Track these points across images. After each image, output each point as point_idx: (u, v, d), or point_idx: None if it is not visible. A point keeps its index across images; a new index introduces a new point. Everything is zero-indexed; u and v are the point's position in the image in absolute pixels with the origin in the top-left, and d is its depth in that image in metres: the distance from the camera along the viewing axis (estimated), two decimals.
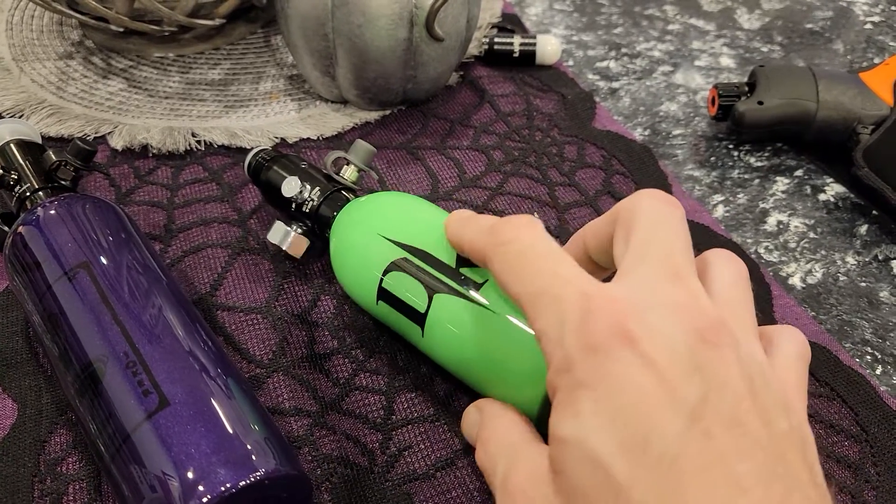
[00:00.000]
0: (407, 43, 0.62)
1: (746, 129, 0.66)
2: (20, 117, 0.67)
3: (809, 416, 0.47)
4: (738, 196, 0.63)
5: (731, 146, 0.68)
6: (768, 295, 0.54)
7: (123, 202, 0.61)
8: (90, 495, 0.43)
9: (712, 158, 0.67)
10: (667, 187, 0.63)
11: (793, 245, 0.59)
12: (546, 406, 0.41)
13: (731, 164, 0.67)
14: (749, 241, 0.59)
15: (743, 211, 0.62)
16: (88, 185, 0.62)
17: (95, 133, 0.66)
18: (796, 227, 0.61)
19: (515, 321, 0.42)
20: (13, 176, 0.53)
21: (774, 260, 0.58)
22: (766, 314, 0.53)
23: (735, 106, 0.66)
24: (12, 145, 0.55)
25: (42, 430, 0.46)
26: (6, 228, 0.52)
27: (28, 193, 0.52)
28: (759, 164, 0.67)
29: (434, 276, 0.44)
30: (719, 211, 0.62)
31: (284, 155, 0.57)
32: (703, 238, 0.58)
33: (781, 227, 0.61)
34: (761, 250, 0.59)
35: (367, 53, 0.62)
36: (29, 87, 0.71)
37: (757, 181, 0.65)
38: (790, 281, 0.56)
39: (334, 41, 0.62)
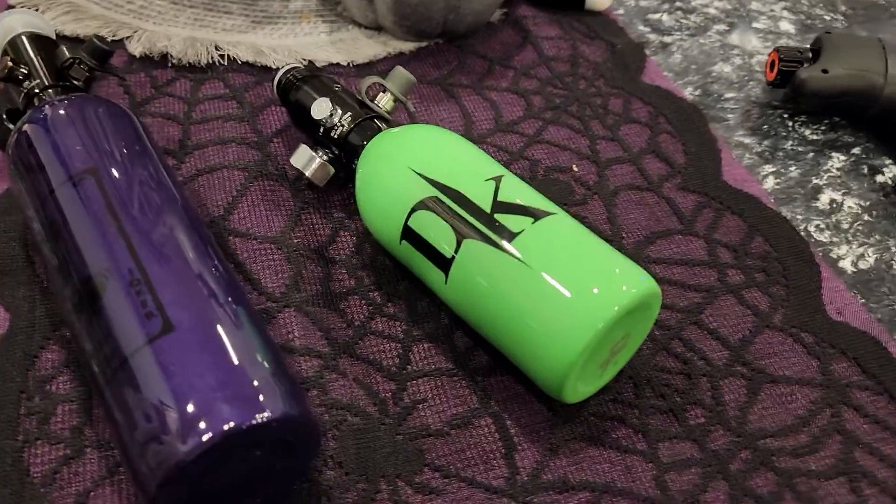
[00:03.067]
0: None
1: (806, 98, 0.61)
2: (35, 11, 0.63)
3: (854, 408, 0.44)
4: (791, 169, 0.59)
5: (785, 115, 0.64)
6: (817, 276, 0.51)
7: (137, 112, 0.57)
8: (80, 418, 0.40)
9: (765, 126, 0.63)
10: (715, 152, 0.59)
11: (845, 226, 0.55)
12: (575, 375, 0.38)
13: (784, 134, 0.62)
14: (799, 217, 0.56)
15: (794, 185, 0.58)
16: (102, 91, 0.58)
17: (113, 36, 0.62)
18: (850, 207, 0.57)
19: (550, 279, 0.38)
20: (22, 70, 0.49)
21: (825, 240, 0.54)
22: (813, 297, 0.50)
23: (797, 72, 0.61)
24: (24, 38, 0.51)
25: (34, 344, 0.42)
26: (11, 126, 0.48)
27: (37, 90, 0.48)
28: (815, 137, 0.62)
29: (465, 219, 0.41)
30: (769, 182, 0.58)
31: (317, 75, 0.53)
32: (751, 210, 0.55)
33: (834, 206, 0.57)
34: (812, 228, 0.55)
35: None
36: None
37: (811, 155, 0.61)
38: (840, 264, 0.53)
39: None
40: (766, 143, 0.61)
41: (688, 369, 0.45)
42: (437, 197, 0.42)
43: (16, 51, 0.50)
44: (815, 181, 0.59)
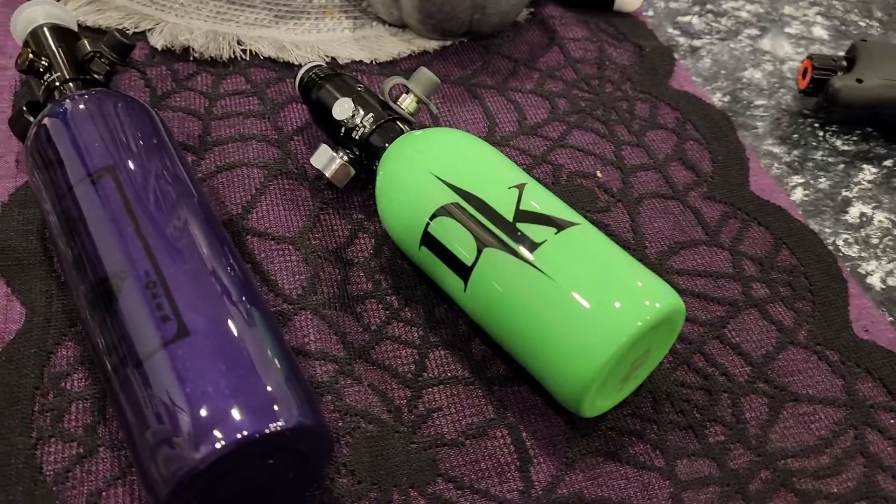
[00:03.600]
0: None
1: (839, 107, 0.60)
2: (57, 1, 0.63)
3: (879, 431, 0.43)
4: (820, 180, 0.58)
5: (816, 125, 0.63)
6: (844, 292, 0.50)
7: (157, 106, 0.56)
8: (93, 417, 0.39)
9: (795, 136, 0.61)
10: (743, 161, 0.58)
11: (875, 241, 0.54)
12: (594, 390, 0.37)
13: (815, 144, 0.61)
14: (827, 230, 0.54)
15: (823, 197, 0.57)
16: (122, 83, 0.58)
17: (135, 28, 0.61)
18: (881, 221, 0.55)
19: (572, 292, 0.37)
20: (43, 62, 0.49)
21: (853, 255, 0.53)
22: (840, 314, 0.48)
23: (830, 81, 0.60)
24: (46, 29, 0.51)
25: (49, 340, 0.42)
26: (31, 118, 0.48)
27: (58, 83, 0.48)
28: (846, 147, 0.61)
29: (487, 227, 0.40)
30: (797, 194, 0.57)
31: (340, 74, 0.52)
32: (778, 222, 0.53)
33: (864, 219, 0.55)
34: (840, 242, 0.54)
35: None
36: None
37: (842, 166, 0.59)
38: (869, 280, 0.51)
39: None
40: (795, 152, 0.60)
41: (708, 385, 0.44)
42: (458, 203, 0.41)
43: (37, 42, 0.50)
44: (844, 193, 0.57)
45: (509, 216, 0.40)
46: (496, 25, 0.63)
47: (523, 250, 0.39)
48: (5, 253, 0.46)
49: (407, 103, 0.49)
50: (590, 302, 0.37)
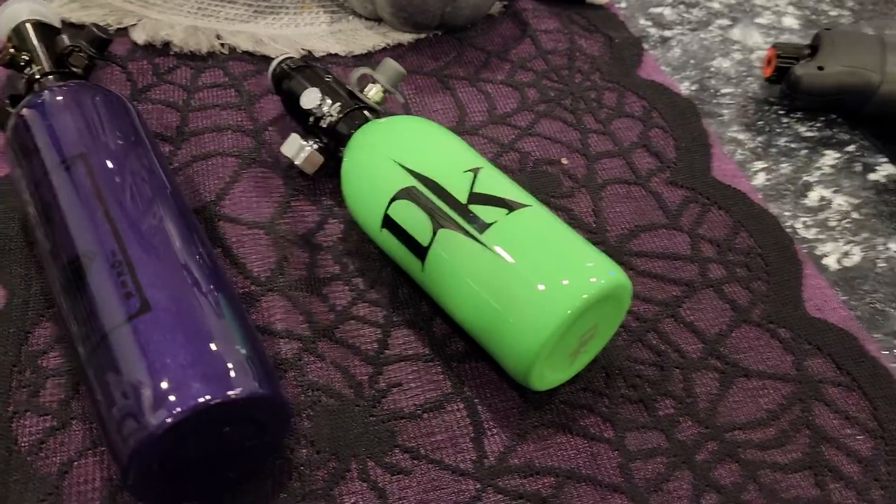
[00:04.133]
0: None
1: (801, 94, 0.61)
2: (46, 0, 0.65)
3: (825, 404, 0.44)
4: (782, 165, 0.59)
5: (781, 112, 0.64)
6: (798, 273, 0.51)
7: (138, 98, 0.58)
8: (67, 392, 0.41)
9: (760, 122, 0.63)
10: (706, 147, 0.59)
11: (833, 223, 0.55)
12: (541, 362, 0.39)
13: (779, 130, 0.62)
14: (787, 213, 0.56)
15: (785, 182, 0.58)
16: (105, 77, 0.60)
17: (118, 24, 0.63)
18: (839, 205, 0.57)
19: (519, 269, 0.39)
20: (24, 57, 0.51)
21: (810, 237, 0.54)
22: (793, 293, 0.50)
23: (792, 69, 0.61)
24: (28, 25, 0.53)
25: (28, 320, 0.44)
26: (12, 110, 0.50)
27: (38, 77, 0.50)
28: (809, 134, 0.62)
29: (441, 209, 0.42)
30: (760, 179, 0.58)
31: (310, 65, 0.54)
32: (738, 206, 0.55)
33: (824, 203, 0.57)
34: (798, 225, 0.55)
35: None
36: None
37: (804, 152, 0.61)
38: (824, 261, 0.53)
39: None
40: (759, 139, 0.61)
41: (661, 361, 0.46)
42: (415, 187, 0.43)
43: (19, 38, 0.52)
44: (805, 178, 0.59)
45: (463, 198, 0.42)
46: (468, 18, 0.65)
47: (474, 230, 0.41)
48: None
49: (373, 93, 0.51)
50: (535, 278, 0.39)
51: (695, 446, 0.42)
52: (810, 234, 0.55)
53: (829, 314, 0.49)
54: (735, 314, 0.49)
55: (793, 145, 0.61)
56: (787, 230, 0.54)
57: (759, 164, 0.59)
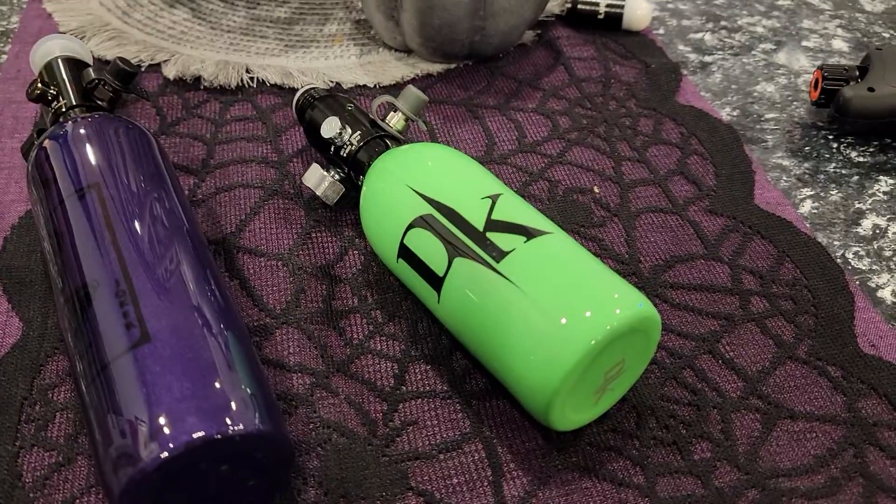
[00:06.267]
0: None
1: (851, 118, 0.58)
2: (81, 39, 0.66)
3: (881, 449, 0.40)
4: (831, 192, 0.56)
5: (830, 136, 0.60)
6: (850, 306, 0.47)
7: (167, 132, 0.58)
8: (74, 427, 0.40)
9: (807, 148, 0.60)
10: (749, 174, 0.56)
11: (888, 254, 0.51)
12: (562, 400, 0.36)
13: (827, 156, 0.59)
14: (836, 243, 0.52)
15: (834, 210, 0.55)
16: (136, 111, 0.60)
17: (151, 60, 0.64)
18: (895, 234, 0.53)
19: (537, 299, 0.37)
20: (52, 91, 0.51)
21: (864, 268, 0.50)
22: (844, 328, 0.46)
23: (841, 91, 0.58)
24: (60, 61, 0.53)
25: (42, 353, 0.44)
26: (36, 142, 0.50)
27: (63, 109, 0.50)
28: (861, 159, 0.59)
29: (457, 237, 0.40)
30: (806, 206, 0.55)
31: (332, 95, 0.53)
32: (783, 235, 0.51)
33: (878, 232, 0.53)
34: (849, 255, 0.51)
35: None
36: (96, 10, 0.69)
37: (856, 178, 0.57)
38: (879, 294, 0.49)
39: None
40: (806, 165, 0.58)
41: (697, 400, 0.42)
42: (431, 214, 0.41)
43: (49, 73, 0.52)
44: (857, 205, 0.55)
45: (480, 225, 0.40)
46: (497, 47, 0.63)
47: (490, 259, 0.38)
48: (10, 272, 0.48)
49: (395, 121, 0.50)
50: (555, 310, 0.36)
51: (734, 494, 0.39)
52: (863, 264, 0.51)
53: (884, 351, 0.45)
54: (779, 350, 0.45)
55: (843, 171, 0.57)
56: (837, 261, 0.50)
57: (806, 192, 0.56)
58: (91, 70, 0.52)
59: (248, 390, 0.35)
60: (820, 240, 0.52)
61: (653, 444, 0.41)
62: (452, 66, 0.65)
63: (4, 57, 0.65)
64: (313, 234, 0.51)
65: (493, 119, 0.61)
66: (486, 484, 0.39)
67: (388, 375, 0.43)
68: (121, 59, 0.52)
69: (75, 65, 0.54)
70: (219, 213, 0.52)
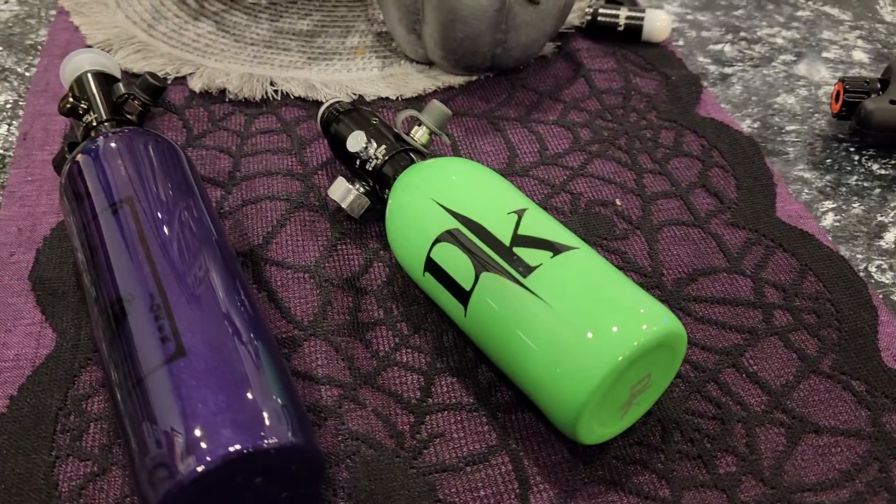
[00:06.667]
0: (499, 3, 0.58)
1: (873, 130, 0.58)
2: (108, 52, 0.67)
3: None
4: (854, 205, 0.56)
5: (852, 149, 0.61)
6: (873, 320, 0.47)
7: (193, 145, 0.59)
8: (108, 437, 0.41)
9: (828, 160, 0.60)
10: (770, 187, 0.56)
11: None
12: (589, 414, 0.37)
13: (849, 168, 0.59)
14: (859, 256, 0.52)
15: (856, 222, 0.55)
16: (163, 124, 0.61)
17: (176, 73, 0.65)
18: None
19: (564, 314, 0.37)
20: (83, 105, 0.52)
21: (887, 281, 0.51)
22: (868, 342, 0.46)
23: (862, 103, 0.58)
24: (89, 75, 0.54)
25: (76, 364, 0.45)
26: (69, 156, 0.51)
27: (94, 123, 0.51)
28: (883, 171, 0.59)
29: (484, 251, 0.40)
30: (828, 219, 0.55)
31: (357, 109, 0.54)
32: (806, 249, 0.52)
33: None
34: (872, 269, 0.51)
35: (456, 11, 0.58)
36: (122, 23, 0.70)
37: (878, 191, 0.57)
38: None
39: None
40: (828, 177, 0.58)
41: (722, 414, 0.43)
42: (458, 229, 0.42)
43: (80, 87, 0.53)
44: (880, 218, 0.55)
45: (506, 240, 0.41)
46: (519, 59, 0.64)
47: (517, 274, 0.39)
48: (43, 283, 0.49)
49: (419, 135, 0.51)
50: (582, 325, 0.37)
51: None
52: (886, 278, 0.51)
53: None
54: (803, 364, 0.45)
55: (865, 184, 0.58)
56: (860, 274, 0.51)
57: (828, 204, 0.56)
58: (121, 85, 0.53)
59: (280, 401, 0.35)
60: (842, 253, 0.52)
61: (678, 457, 0.41)
62: (474, 78, 0.66)
63: (34, 70, 0.66)
64: (339, 246, 0.52)
65: (514, 131, 0.61)
66: (513, 497, 0.39)
67: (415, 387, 0.44)
68: (150, 73, 0.53)
69: (105, 79, 0.55)
70: (246, 225, 0.53)
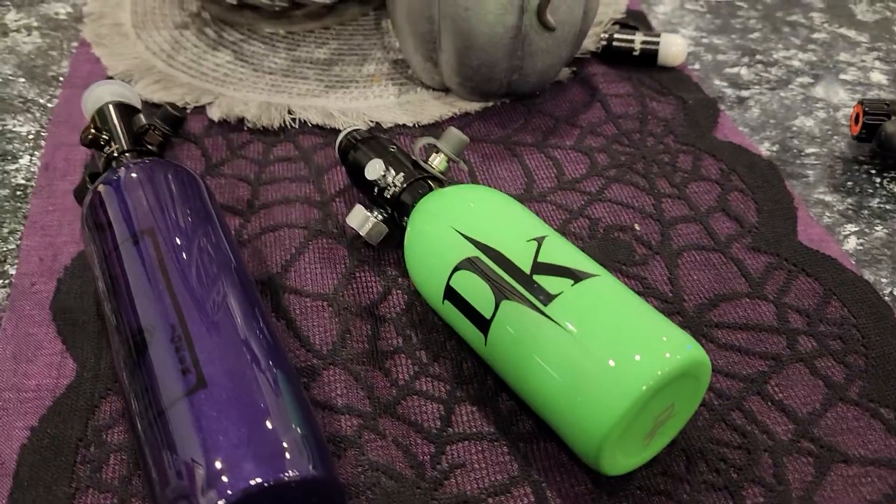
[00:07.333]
0: (515, 30, 0.58)
1: (894, 152, 0.57)
2: (128, 82, 0.68)
3: None
4: (876, 228, 0.55)
5: (873, 171, 0.60)
6: None
7: (212, 173, 0.60)
8: (128, 469, 0.41)
9: (849, 183, 0.59)
10: (791, 210, 0.56)
11: None
12: (612, 445, 0.36)
13: (871, 191, 0.58)
14: (884, 280, 0.52)
15: (880, 246, 0.54)
16: (182, 153, 0.62)
17: (196, 102, 0.66)
18: None
19: (586, 343, 0.37)
20: (104, 136, 0.53)
21: None
22: None
23: (883, 125, 0.58)
24: (111, 106, 0.55)
25: (96, 394, 0.45)
26: (90, 187, 0.52)
27: (115, 154, 0.52)
28: None
29: (504, 279, 0.40)
30: (851, 243, 0.54)
31: (375, 136, 0.54)
32: (829, 273, 0.51)
33: None
34: None
35: (472, 38, 0.58)
36: (142, 54, 0.71)
37: None
38: None
39: (439, 23, 0.59)
40: (849, 200, 0.58)
41: (747, 443, 0.42)
42: (478, 257, 0.42)
43: (101, 118, 0.54)
44: None
45: (526, 268, 0.40)
46: (535, 85, 0.64)
47: (538, 302, 0.39)
48: (64, 313, 0.49)
49: (437, 162, 0.51)
50: (604, 354, 0.36)
51: None
52: None
53: None
54: (829, 391, 0.44)
55: (888, 206, 0.57)
56: (886, 298, 0.50)
57: (851, 228, 0.55)
58: (142, 116, 0.53)
59: (301, 432, 0.35)
60: (866, 277, 0.52)
61: (704, 488, 0.40)
62: (490, 104, 0.66)
63: (56, 101, 0.67)
64: (357, 274, 0.52)
65: (531, 156, 0.61)
66: None
67: (435, 417, 0.44)
68: (170, 104, 0.53)
69: (126, 109, 0.55)
70: (264, 253, 0.53)
